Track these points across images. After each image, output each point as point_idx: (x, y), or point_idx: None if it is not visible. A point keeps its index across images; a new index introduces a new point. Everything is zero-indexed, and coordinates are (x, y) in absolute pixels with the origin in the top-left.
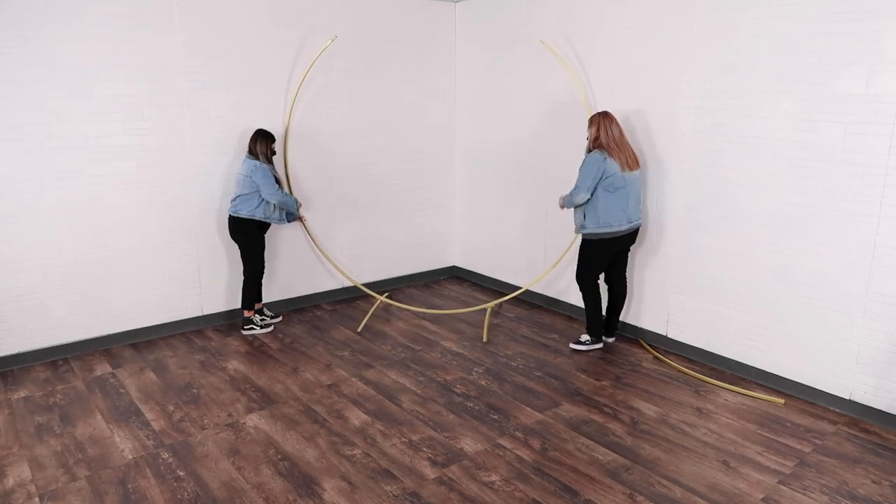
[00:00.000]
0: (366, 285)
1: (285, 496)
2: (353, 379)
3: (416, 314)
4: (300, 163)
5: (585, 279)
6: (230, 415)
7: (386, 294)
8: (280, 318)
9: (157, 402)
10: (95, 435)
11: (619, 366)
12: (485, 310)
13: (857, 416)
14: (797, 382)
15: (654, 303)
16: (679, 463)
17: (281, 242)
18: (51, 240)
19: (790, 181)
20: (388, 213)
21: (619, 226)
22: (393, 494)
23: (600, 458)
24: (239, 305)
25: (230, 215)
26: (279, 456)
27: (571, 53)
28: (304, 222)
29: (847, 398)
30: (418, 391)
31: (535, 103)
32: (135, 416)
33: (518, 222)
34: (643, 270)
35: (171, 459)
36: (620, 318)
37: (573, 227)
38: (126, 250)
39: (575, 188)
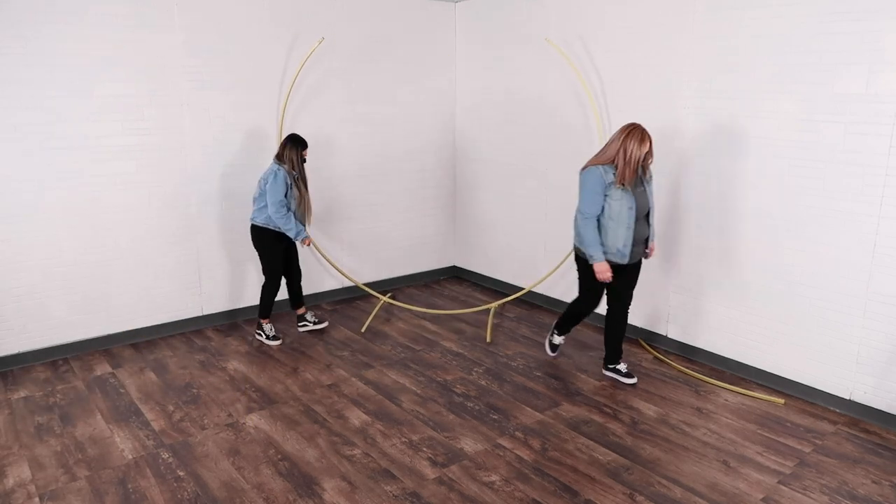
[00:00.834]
0: (366, 285)
1: (285, 496)
2: (353, 379)
3: (416, 314)
4: None
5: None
6: (230, 415)
7: (389, 294)
8: (325, 324)
9: (157, 402)
10: (95, 435)
11: None
12: (487, 310)
13: (857, 416)
14: (797, 382)
15: (654, 303)
16: (679, 463)
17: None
18: (51, 240)
19: (790, 181)
20: (388, 213)
21: None
22: (393, 494)
23: (600, 458)
24: (239, 305)
25: (250, 223)
26: (279, 456)
27: (571, 53)
28: (307, 245)
29: (847, 398)
30: (418, 391)
31: (535, 103)
32: (135, 416)
33: (518, 222)
34: (643, 270)
35: (171, 459)
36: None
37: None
38: (126, 250)
39: None
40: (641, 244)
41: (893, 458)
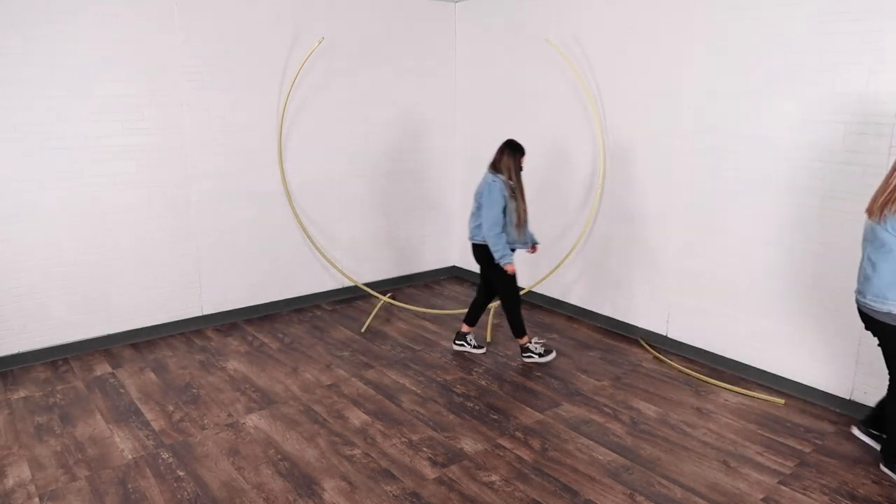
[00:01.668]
0: (366, 285)
1: (285, 496)
2: (353, 379)
3: (416, 314)
4: (300, 163)
5: None
6: (230, 415)
7: (389, 294)
8: (483, 350)
9: (157, 402)
10: (95, 435)
11: (619, 366)
12: (487, 310)
13: (858, 416)
14: (797, 382)
15: (654, 303)
16: (679, 463)
17: (281, 242)
18: (51, 240)
19: (790, 181)
20: (388, 213)
21: None
22: (393, 494)
23: (600, 458)
24: (239, 305)
25: (470, 242)
26: (279, 456)
27: (571, 54)
28: (510, 272)
29: (847, 398)
30: (418, 391)
31: (535, 102)
32: (135, 416)
33: None
34: (643, 270)
35: (171, 459)
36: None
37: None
38: (126, 250)
39: None
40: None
41: None
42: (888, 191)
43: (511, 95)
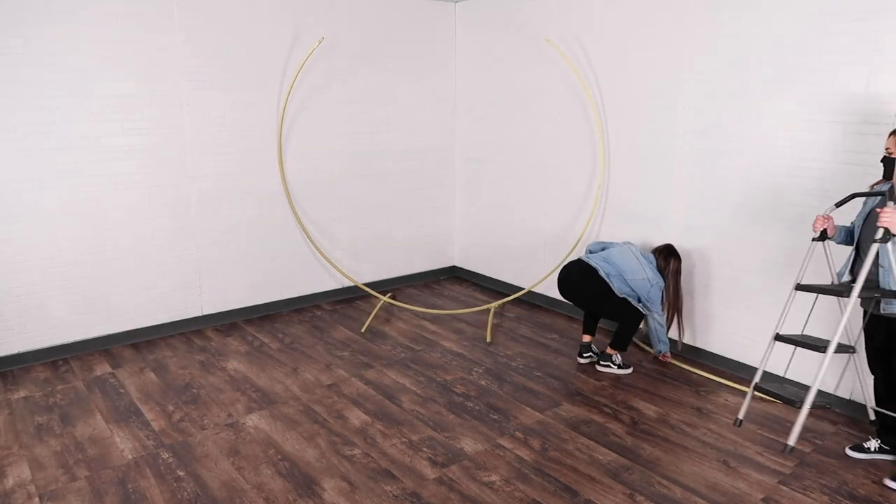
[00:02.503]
0: (366, 285)
1: (285, 496)
2: (353, 379)
3: (416, 314)
4: (300, 162)
5: None
6: (230, 415)
7: (389, 294)
8: (630, 369)
9: (156, 402)
10: (95, 435)
11: None
12: (487, 310)
13: (858, 416)
14: (797, 382)
15: None
16: (679, 463)
17: (281, 242)
18: (51, 240)
19: (789, 181)
20: (388, 213)
21: None
22: (393, 494)
23: (600, 458)
24: (239, 305)
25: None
26: (279, 456)
27: (571, 53)
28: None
29: (847, 398)
30: (418, 391)
31: (535, 103)
32: (135, 416)
33: (518, 222)
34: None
35: (171, 459)
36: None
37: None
38: (126, 250)
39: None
40: None
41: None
42: None
43: (511, 95)
